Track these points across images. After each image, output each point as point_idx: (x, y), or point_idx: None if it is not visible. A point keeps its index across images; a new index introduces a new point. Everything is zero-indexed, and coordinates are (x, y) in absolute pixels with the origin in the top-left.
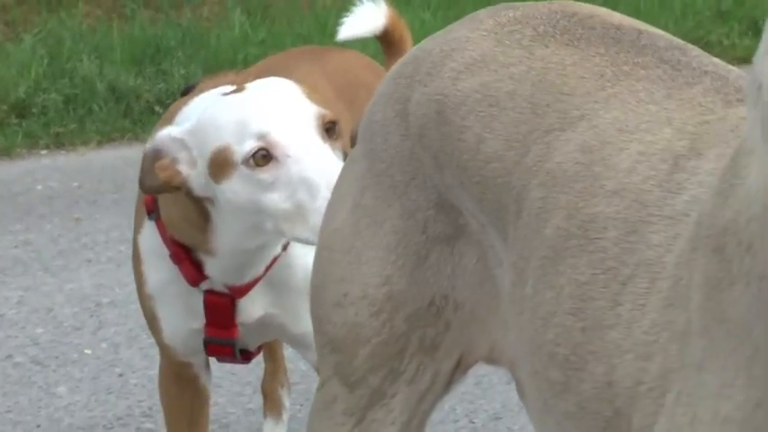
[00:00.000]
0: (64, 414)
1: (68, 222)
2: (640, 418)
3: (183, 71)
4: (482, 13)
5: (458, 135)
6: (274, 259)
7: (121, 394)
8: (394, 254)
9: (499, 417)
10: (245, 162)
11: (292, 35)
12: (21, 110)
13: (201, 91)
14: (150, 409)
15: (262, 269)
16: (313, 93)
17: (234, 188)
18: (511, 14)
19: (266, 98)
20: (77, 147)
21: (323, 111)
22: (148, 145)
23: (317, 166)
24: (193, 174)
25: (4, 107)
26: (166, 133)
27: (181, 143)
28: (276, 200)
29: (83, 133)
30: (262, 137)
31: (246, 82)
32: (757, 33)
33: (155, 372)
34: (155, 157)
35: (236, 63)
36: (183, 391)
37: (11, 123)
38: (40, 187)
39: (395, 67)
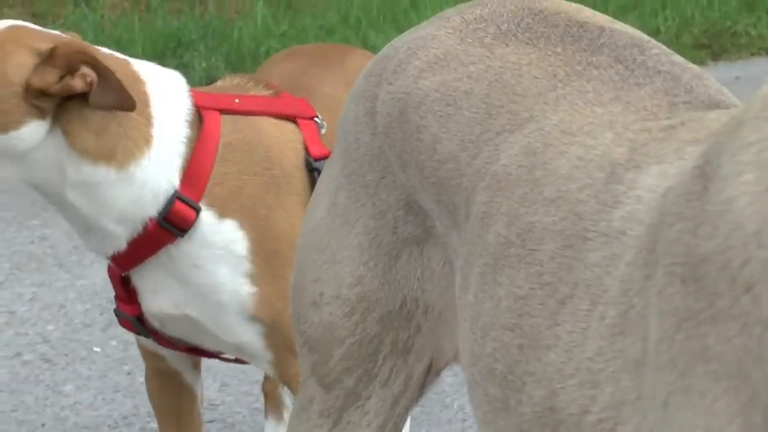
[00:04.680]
0: (69, 413)
1: None
2: None
3: (204, 64)
4: (451, 10)
5: (417, 134)
6: (155, 243)
7: (128, 393)
8: (366, 254)
9: None
10: None
11: (315, 27)
12: None
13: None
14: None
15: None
16: None
17: None
18: (478, 12)
19: None
20: None
21: None
22: None
23: None
24: None
25: None
26: None
27: None
28: None
29: None
30: None
31: (259, 88)
32: None
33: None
34: None
35: (258, 56)
36: (166, 388)
37: None
38: None
39: (368, 64)
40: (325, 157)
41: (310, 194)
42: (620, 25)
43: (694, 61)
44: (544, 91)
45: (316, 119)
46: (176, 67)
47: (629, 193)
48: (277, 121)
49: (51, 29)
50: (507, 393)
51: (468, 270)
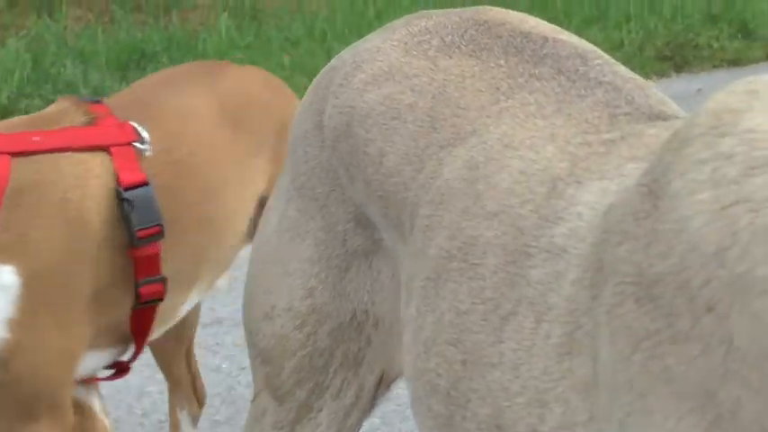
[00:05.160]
0: None
1: None
2: None
3: None
4: (397, 22)
5: (363, 148)
6: None
7: None
8: (317, 266)
9: None
10: None
11: (280, 39)
12: (3, 115)
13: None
14: (117, 421)
15: None
16: None
17: None
18: (423, 24)
19: None
20: None
21: None
22: None
23: None
24: None
25: None
26: None
27: None
28: None
29: None
30: None
31: (78, 115)
32: (747, 36)
33: (120, 384)
34: None
35: None
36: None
37: None
38: None
39: (317, 77)
40: (141, 184)
41: (121, 226)
42: (565, 35)
43: (657, 73)
44: (487, 104)
45: (135, 143)
46: (140, 79)
47: (570, 209)
48: (81, 155)
49: (14, 40)
50: (452, 410)
51: (411, 284)
